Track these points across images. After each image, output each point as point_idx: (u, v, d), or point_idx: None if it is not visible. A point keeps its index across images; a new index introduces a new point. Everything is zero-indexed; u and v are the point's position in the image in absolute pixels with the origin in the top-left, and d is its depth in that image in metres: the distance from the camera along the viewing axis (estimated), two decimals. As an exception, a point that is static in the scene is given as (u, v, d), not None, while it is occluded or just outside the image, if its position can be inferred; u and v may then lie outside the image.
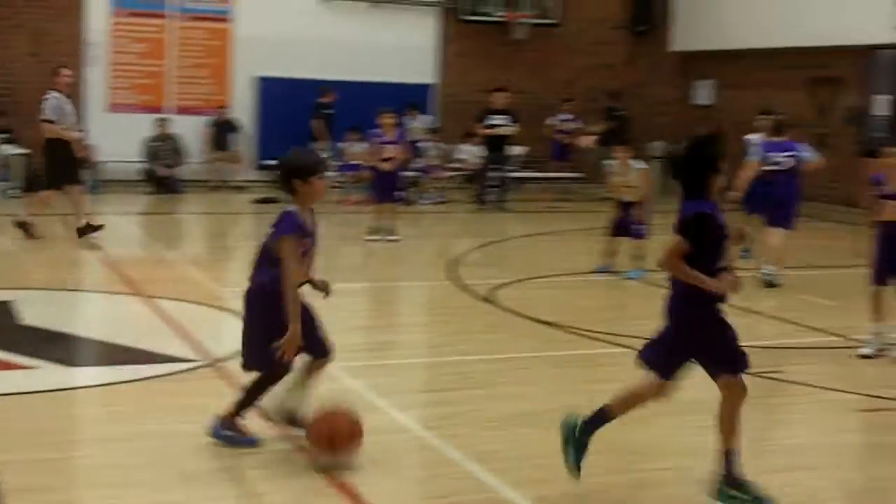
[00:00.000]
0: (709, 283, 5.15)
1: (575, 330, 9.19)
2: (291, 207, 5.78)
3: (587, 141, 20.75)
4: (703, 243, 5.19)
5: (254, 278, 5.87)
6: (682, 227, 5.19)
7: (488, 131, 18.39)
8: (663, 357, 5.37)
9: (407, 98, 19.61)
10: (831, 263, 13.32)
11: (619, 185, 12.00)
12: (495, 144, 18.52)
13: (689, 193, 5.27)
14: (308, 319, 5.84)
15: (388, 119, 14.39)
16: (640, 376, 5.43)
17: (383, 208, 14.25)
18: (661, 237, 6.35)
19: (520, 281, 11.49)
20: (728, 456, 5.28)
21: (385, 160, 14.23)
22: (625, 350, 8.47)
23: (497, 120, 18.36)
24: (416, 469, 6.08)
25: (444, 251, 13.78)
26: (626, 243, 11.91)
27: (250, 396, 5.96)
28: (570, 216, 18.24)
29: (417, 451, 6.25)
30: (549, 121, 21.44)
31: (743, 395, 5.27)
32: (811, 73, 20.47)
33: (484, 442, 6.22)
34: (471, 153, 19.79)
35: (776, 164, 11.72)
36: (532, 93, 21.73)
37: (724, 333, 5.29)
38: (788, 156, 11.77)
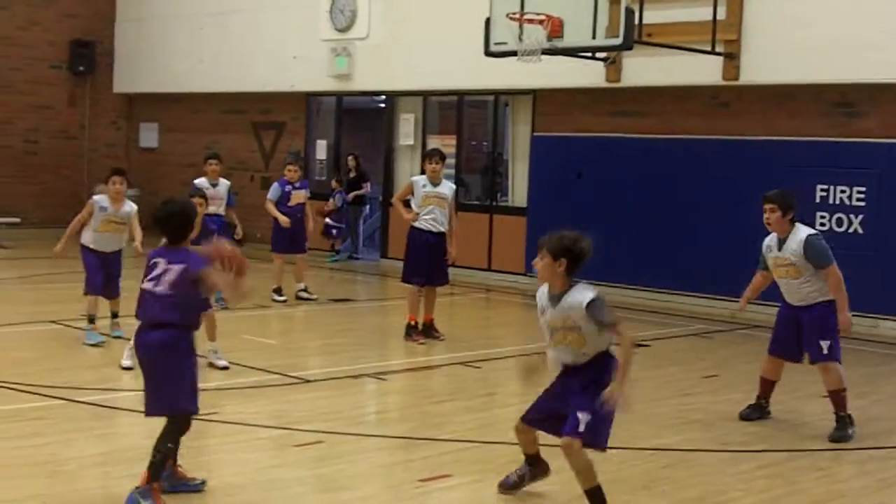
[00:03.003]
0: None
1: (4, 384, 8.53)
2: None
3: None
4: None
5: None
6: None
7: None
8: None
9: None
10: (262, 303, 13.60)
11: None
12: None
13: None
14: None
15: None
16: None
17: None
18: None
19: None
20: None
21: None
22: (57, 402, 8.04)
23: None
24: None
25: None
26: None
27: (162, 455, 5.77)
28: (5, 263, 17.20)
29: None
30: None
31: None
32: (254, 117, 21.00)
33: None
34: None
35: None
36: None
37: None
38: None
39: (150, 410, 5.92)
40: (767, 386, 8.50)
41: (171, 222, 6.02)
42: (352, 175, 19.23)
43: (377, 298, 15.81)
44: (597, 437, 5.79)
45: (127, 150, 23.33)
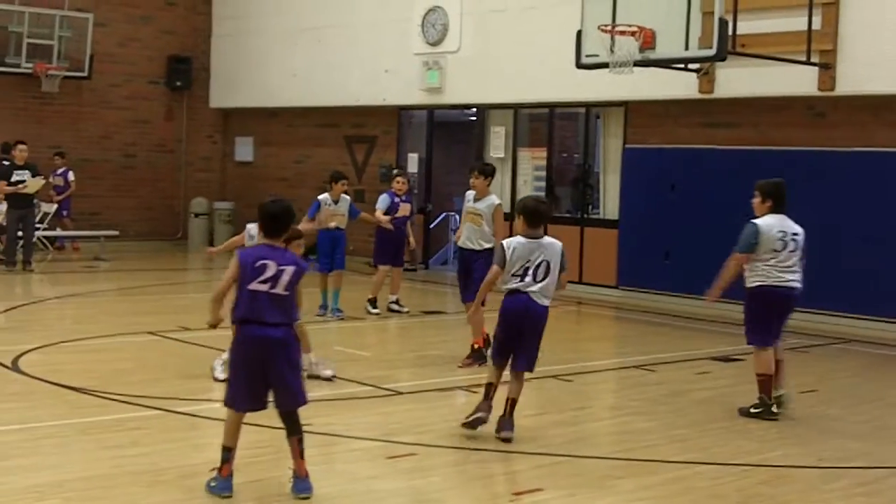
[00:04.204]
0: None
1: (104, 394, 8.72)
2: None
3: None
4: None
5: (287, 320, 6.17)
6: None
7: (11, 189, 17.06)
8: None
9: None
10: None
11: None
12: (21, 201, 17.19)
13: None
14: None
15: None
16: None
17: None
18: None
19: (49, 346, 10.83)
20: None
21: None
22: (154, 412, 8.20)
23: (21, 175, 17.17)
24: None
25: (-36, 317, 12.71)
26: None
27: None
28: (105, 275, 17.57)
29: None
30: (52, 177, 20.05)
31: None
32: (347, 131, 21.21)
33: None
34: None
35: None
36: (65, 146, 21.03)
37: None
38: None
39: (293, 403, 6.26)
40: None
41: (279, 219, 6.28)
42: None
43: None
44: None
45: (223, 163, 23.74)
